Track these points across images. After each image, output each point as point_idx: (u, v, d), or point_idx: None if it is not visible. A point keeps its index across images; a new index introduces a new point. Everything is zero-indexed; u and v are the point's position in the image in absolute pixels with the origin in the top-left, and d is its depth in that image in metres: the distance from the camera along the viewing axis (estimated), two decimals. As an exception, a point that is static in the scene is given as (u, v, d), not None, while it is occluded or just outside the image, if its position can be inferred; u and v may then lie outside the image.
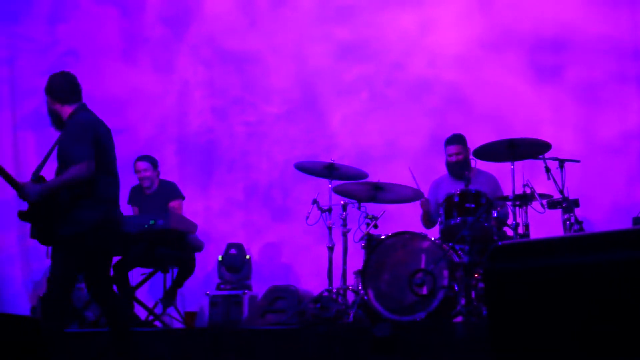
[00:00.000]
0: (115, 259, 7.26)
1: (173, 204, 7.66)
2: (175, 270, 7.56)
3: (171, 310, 7.60)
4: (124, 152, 9.49)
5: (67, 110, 5.69)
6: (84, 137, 5.47)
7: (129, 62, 9.72)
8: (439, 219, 6.70)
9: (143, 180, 7.72)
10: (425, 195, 7.22)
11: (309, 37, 9.18)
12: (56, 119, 5.73)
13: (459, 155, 7.25)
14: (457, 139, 7.30)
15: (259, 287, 8.23)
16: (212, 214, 8.91)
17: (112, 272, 7.16)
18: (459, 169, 7.17)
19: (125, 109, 9.64)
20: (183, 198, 7.79)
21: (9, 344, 2.84)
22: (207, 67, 9.50)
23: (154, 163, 7.76)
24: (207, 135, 9.37)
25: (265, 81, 9.28)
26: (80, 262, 5.26)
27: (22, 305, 9.31)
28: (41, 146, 9.74)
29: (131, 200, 7.84)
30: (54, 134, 9.59)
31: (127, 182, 9.32)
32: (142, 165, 7.73)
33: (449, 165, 7.31)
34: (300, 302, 7.28)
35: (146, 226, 6.75)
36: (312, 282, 7.98)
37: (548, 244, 2.91)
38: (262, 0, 9.44)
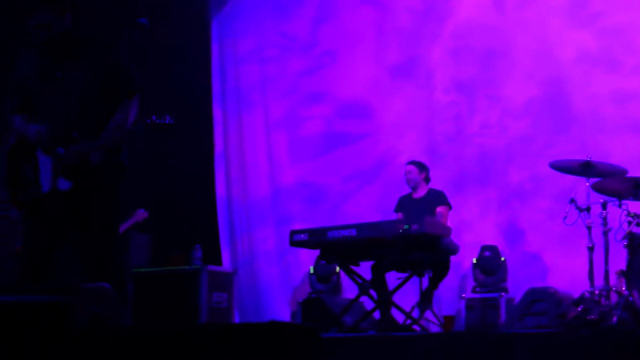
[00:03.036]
0: (371, 263, 7.41)
1: (440, 209, 7.87)
2: (430, 274, 7.58)
3: (428, 314, 7.61)
4: (369, 156, 9.67)
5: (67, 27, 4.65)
6: None
7: (380, 63, 9.78)
8: None
9: (408, 182, 8.10)
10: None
11: (556, 35, 8.90)
12: (62, 36, 4.63)
13: None
14: None
15: (515, 290, 8.08)
16: (466, 217, 8.82)
17: (370, 276, 7.33)
18: None
19: (372, 112, 9.74)
20: (450, 207, 7.95)
21: (290, 353, 2.89)
22: (455, 64, 9.39)
23: (419, 166, 8.12)
24: (454, 138, 9.29)
25: (510, 78, 9.08)
26: None
27: (282, 311, 9.59)
28: (293, 148, 10.05)
29: (398, 208, 8.14)
30: (306, 136, 9.93)
31: (370, 189, 9.51)
32: (407, 168, 8.16)
33: None
34: (560, 305, 7.09)
35: (400, 231, 6.79)
36: (571, 284, 7.74)
37: None
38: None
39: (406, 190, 8.20)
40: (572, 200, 6.86)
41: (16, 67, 4.75)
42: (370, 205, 9.37)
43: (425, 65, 9.53)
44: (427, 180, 8.14)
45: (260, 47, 10.38)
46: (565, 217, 6.84)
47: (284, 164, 10.13)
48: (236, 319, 9.03)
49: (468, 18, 9.34)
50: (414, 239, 6.93)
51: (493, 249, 8.36)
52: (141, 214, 8.82)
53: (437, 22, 9.49)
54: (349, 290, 8.61)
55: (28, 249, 4.63)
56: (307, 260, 9.21)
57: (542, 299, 7.35)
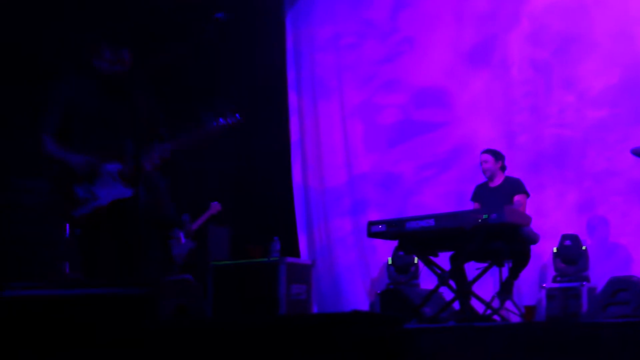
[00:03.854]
0: (450, 253, 7.37)
1: (518, 197, 7.74)
2: (510, 264, 7.50)
3: (509, 304, 7.54)
4: (445, 144, 9.59)
5: None
6: None
7: (457, 49, 9.68)
8: None
9: (484, 172, 7.96)
10: None
11: (637, 16, 8.70)
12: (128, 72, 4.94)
13: None
14: None
15: (597, 279, 7.96)
16: (544, 206, 8.70)
17: (449, 266, 7.29)
18: None
19: (449, 99, 9.66)
20: (527, 194, 7.80)
21: (373, 343, 2.90)
22: (532, 47, 9.22)
23: (495, 155, 7.96)
24: (531, 125, 9.16)
25: (588, 62, 8.90)
26: None
27: (360, 302, 9.59)
28: (369, 136, 10.04)
29: (474, 197, 8.04)
30: (382, 124, 9.90)
31: (446, 177, 9.44)
32: (483, 157, 8.00)
33: None
34: (644, 294, 6.97)
35: (480, 221, 6.73)
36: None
37: None
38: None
39: (482, 178, 8.12)
40: (655, 187, 6.74)
41: (59, 90, 4.91)
42: (446, 194, 9.32)
43: (503, 50, 9.40)
44: (503, 169, 8.01)
45: (337, 35, 10.38)
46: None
47: (360, 152, 10.13)
48: (314, 311, 9.06)
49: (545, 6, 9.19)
50: (493, 229, 6.87)
51: (574, 238, 8.25)
52: (215, 207, 8.97)
53: (515, 4, 9.35)
54: (428, 280, 8.57)
55: (99, 260, 4.86)
56: (384, 250, 9.19)
57: (625, 288, 7.23)
